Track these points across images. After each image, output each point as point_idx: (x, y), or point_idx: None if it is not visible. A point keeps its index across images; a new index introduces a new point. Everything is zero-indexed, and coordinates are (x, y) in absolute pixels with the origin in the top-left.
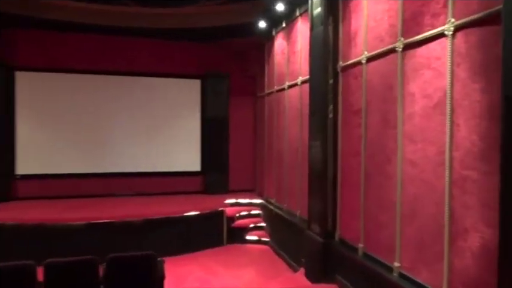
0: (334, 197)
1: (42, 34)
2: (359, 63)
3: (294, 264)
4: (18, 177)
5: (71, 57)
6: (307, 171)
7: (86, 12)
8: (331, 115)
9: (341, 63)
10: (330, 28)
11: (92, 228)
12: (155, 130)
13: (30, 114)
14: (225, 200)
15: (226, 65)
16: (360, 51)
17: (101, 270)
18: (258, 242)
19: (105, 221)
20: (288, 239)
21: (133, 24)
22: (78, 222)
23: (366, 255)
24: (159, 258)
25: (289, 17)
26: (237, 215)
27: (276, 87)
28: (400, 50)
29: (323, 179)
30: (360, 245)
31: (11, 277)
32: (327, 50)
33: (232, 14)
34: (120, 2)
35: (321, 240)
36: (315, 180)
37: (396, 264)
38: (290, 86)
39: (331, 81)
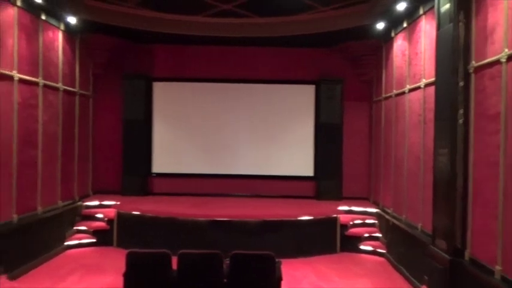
0: (464, 211)
1: (175, 48)
2: (497, 62)
3: (414, 280)
4: (154, 175)
5: (199, 67)
6: (431, 181)
7: (213, 26)
8: (461, 120)
9: (474, 63)
10: (461, 25)
11: (214, 224)
12: (271, 135)
13: (164, 119)
14: (338, 207)
15: (340, 70)
16: (498, 49)
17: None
18: (373, 253)
19: (225, 219)
20: (407, 253)
21: (253, 34)
22: (202, 219)
23: (504, 280)
24: (277, 259)
25: (411, 16)
26: (351, 223)
27: (395, 91)
28: None
29: (451, 190)
30: (497, 267)
31: (152, 262)
32: (456, 50)
33: (348, 17)
34: (241, 14)
35: (448, 257)
36: (441, 192)
37: None
38: (411, 90)
39: (461, 83)
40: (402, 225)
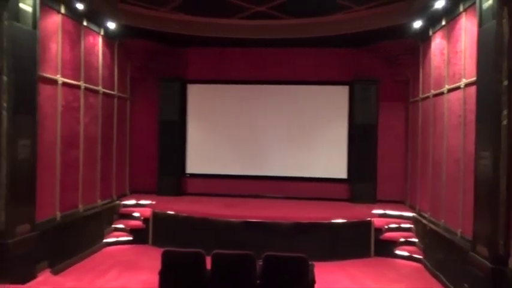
0: (508, 217)
1: (209, 50)
2: None
3: (452, 287)
4: (187, 175)
5: (232, 69)
6: (471, 185)
7: (247, 28)
8: (505, 122)
9: None
10: (505, 22)
11: (247, 225)
12: (304, 136)
13: (198, 121)
14: (372, 210)
15: (375, 70)
16: None
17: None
18: (410, 258)
19: (258, 220)
20: (445, 259)
21: (286, 35)
22: (235, 219)
23: None
24: (310, 262)
25: (450, 14)
26: (386, 226)
27: (433, 92)
28: None
29: (493, 195)
30: None
31: (186, 261)
32: (500, 47)
33: (384, 17)
34: (275, 16)
35: (490, 265)
36: (483, 196)
37: None
38: (450, 90)
39: (505, 82)
40: (440, 231)
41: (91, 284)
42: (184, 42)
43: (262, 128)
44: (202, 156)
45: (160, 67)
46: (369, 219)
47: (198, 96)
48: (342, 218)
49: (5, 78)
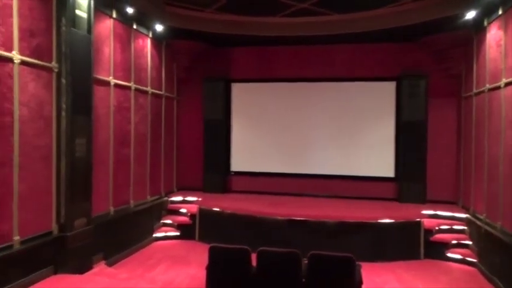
0: None
1: (252, 49)
2: None
3: None
4: (232, 173)
5: (276, 67)
6: None
7: (290, 26)
8: None
9: None
10: None
11: (292, 224)
12: (350, 133)
13: (242, 119)
14: (421, 211)
15: (424, 65)
16: None
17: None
18: (462, 261)
19: (303, 218)
20: (502, 263)
21: (330, 31)
22: (280, 217)
23: None
24: (356, 262)
25: (507, 3)
26: (436, 228)
27: (488, 86)
28: None
29: None
30: None
31: (232, 257)
32: None
33: (433, 8)
34: (318, 12)
35: None
36: None
37: None
38: (508, 84)
39: None
40: (497, 233)
41: (142, 276)
42: (228, 42)
43: (306, 126)
44: (247, 154)
45: (205, 67)
46: (418, 219)
47: (242, 94)
48: (390, 217)
49: (63, 80)
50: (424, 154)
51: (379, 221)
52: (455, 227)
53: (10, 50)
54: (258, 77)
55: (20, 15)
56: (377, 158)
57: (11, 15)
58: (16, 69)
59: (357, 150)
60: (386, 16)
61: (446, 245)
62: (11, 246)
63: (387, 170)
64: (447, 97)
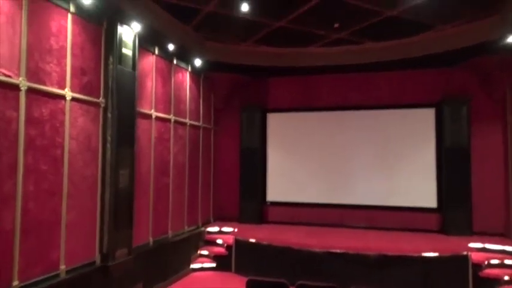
0: None
1: (288, 79)
2: None
3: None
4: (268, 203)
5: (312, 96)
6: None
7: (327, 55)
8: None
9: None
10: None
11: (331, 256)
12: (389, 162)
13: (278, 149)
14: (468, 243)
15: (465, 89)
16: None
17: None
18: None
19: (342, 251)
20: None
21: (369, 59)
22: (318, 249)
23: None
24: None
25: None
26: (486, 262)
27: None
28: None
29: None
30: None
31: None
32: None
33: (473, 33)
34: (355, 41)
35: None
36: None
37: None
38: None
39: None
40: None
41: None
42: (264, 73)
43: (345, 155)
44: (283, 183)
45: (243, 96)
46: (466, 253)
47: (279, 123)
48: (434, 250)
49: (109, 114)
50: (469, 182)
51: (423, 254)
52: (506, 261)
53: (63, 87)
54: (296, 106)
55: (73, 55)
56: (418, 186)
57: (65, 56)
58: (68, 106)
59: (397, 179)
60: (425, 42)
61: (498, 282)
62: (57, 275)
63: (429, 199)
64: (491, 122)
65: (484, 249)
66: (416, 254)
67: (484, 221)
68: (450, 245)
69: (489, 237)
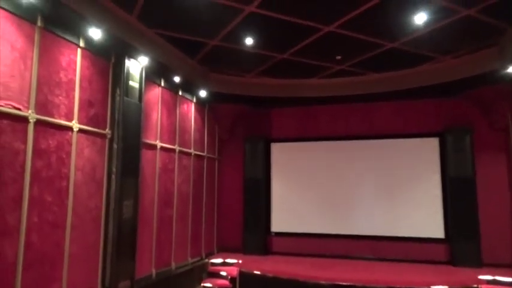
0: None
1: (291, 110)
2: None
3: None
4: (273, 234)
5: (315, 127)
6: None
7: (328, 87)
8: None
9: None
10: None
11: None
12: (394, 192)
13: (282, 178)
14: (478, 275)
15: (468, 119)
16: None
17: None
18: None
19: (350, 284)
20: None
21: (370, 90)
22: (324, 282)
23: None
24: None
25: None
26: None
27: None
28: None
29: None
30: None
31: None
32: None
33: (473, 64)
34: (356, 73)
35: None
36: None
37: None
38: None
39: None
40: None
41: None
42: (268, 103)
43: (349, 185)
44: (288, 214)
45: (246, 127)
46: (476, 286)
47: (282, 154)
48: (444, 283)
49: (115, 145)
50: (475, 212)
51: (433, 287)
52: None
53: (71, 119)
54: (299, 136)
55: (81, 88)
56: (425, 217)
57: (73, 89)
58: (74, 137)
59: (403, 209)
60: (425, 73)
61: None
62: None
63: (436, 230)
64: (495, 151)
65: (494, 282)
66: (425, 287)
67: (493, 251)
68: (460, 277)
69: (498, 269)
